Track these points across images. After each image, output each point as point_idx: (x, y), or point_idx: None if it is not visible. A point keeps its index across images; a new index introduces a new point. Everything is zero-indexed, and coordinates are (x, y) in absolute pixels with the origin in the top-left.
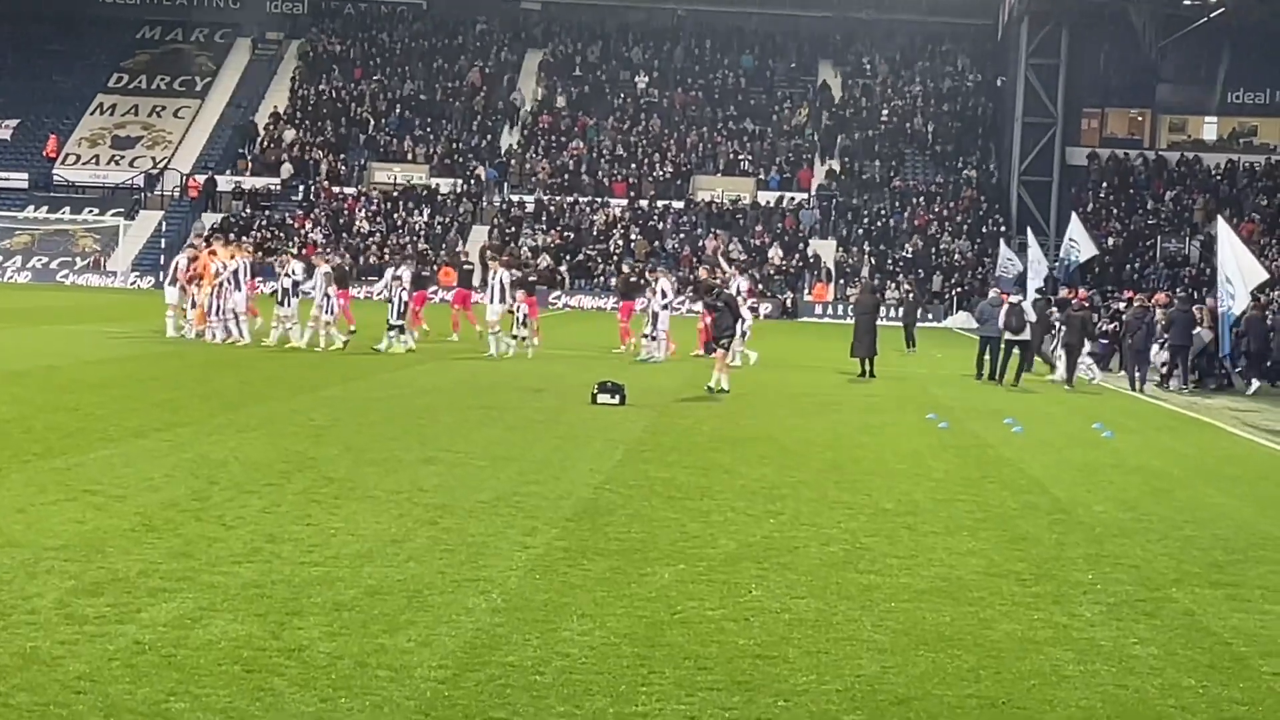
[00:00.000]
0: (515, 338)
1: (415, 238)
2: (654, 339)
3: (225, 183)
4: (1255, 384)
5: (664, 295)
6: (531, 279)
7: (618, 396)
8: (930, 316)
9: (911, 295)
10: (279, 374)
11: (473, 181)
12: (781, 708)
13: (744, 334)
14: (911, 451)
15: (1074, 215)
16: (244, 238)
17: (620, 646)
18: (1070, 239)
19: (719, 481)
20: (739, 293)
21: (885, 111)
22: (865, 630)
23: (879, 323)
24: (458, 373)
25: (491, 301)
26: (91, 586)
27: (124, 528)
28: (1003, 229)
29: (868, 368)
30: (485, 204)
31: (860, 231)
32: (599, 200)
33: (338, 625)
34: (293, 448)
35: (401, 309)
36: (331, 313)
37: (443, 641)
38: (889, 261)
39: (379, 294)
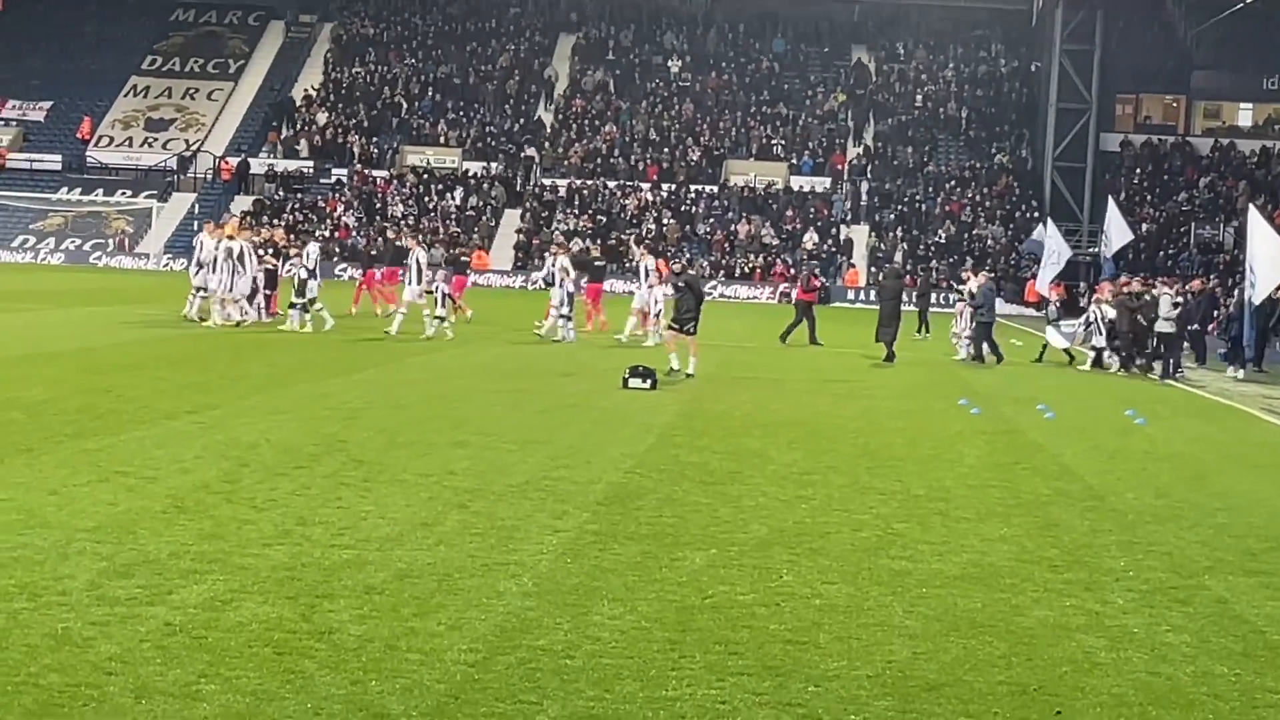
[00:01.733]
0: (437, 318)
1: (447, 221)
2: (568, 318)
3: (258, 165)
4: (1230, 369)
5: (566, 275)
6: (465, 259)
7: (649, 381)
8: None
9: (922, 280)
10: (311, 357)
11: (518, 162)
12: (812, 693)
13: (658, 313)
14: (943, 437)
15: (1110, 203)
16: (273, 220)
17: (651, 631)
18: (1104, 233)
19: (750, 466)
20: (648, 274)
21: (919, 96)
22: (896, 616)
23: (904, 307)
24: (488, 356)
25: (409, 282)
26: (123, 568)
27: (155, 509)
28: (1036, 215)
29: (891, 351)
30: (532, 184)
31: (893, 217)
32: (631, 184)
33: (368, 608)
34: (324, 430)
35: (300, 286)
36: (230, 289)
37: (473, 625)
38: (921, 247)
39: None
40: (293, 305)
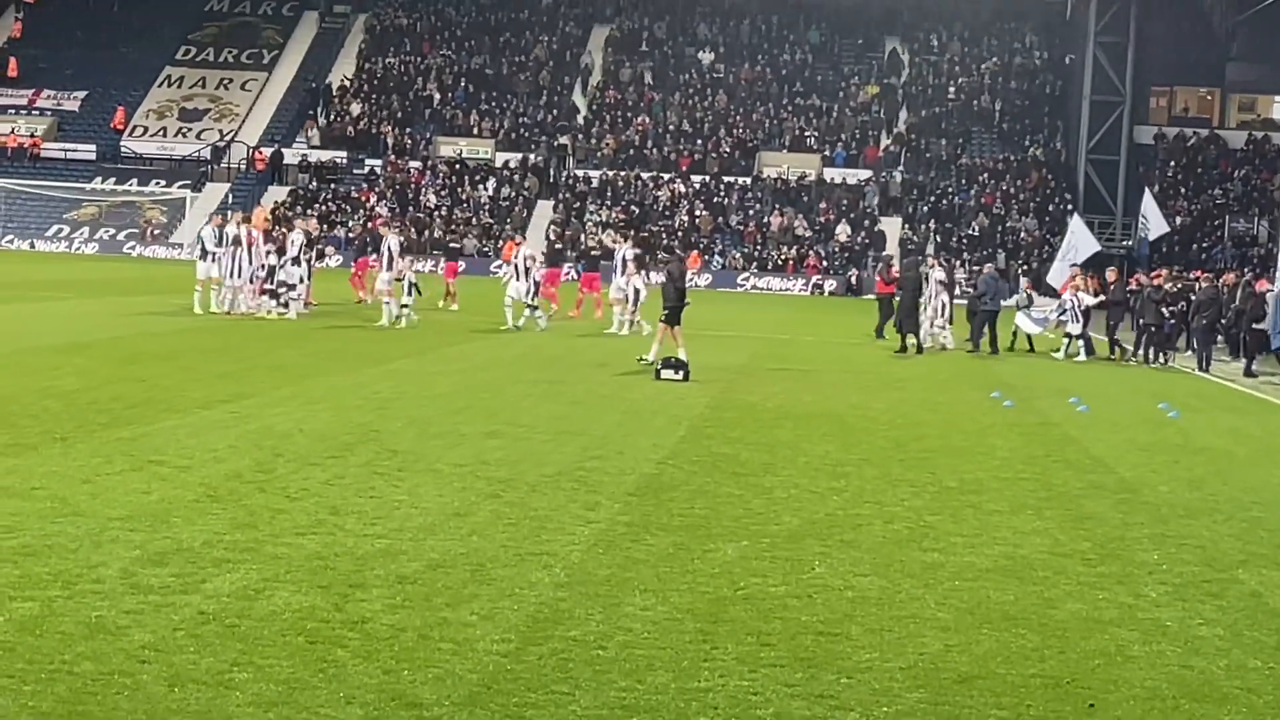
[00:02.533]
0: (404, 305)
1: (480, 211)
2: (535, 308)
3: (291, 155)
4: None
5: (534, 263)
6: (454, 246)
7: (681, 372)
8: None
9: (945, 270)
10: (344, 347)
11: (551, 153)
12: (844, 685)
13: (638, 301)
14: (976, 429)
15: (1146, 191)
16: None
17: (683, 622)
18: (1142, 215)
19: (782, 458)
20: (625, 263)
21: (952, 89)
22: (929, 608)
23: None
24: (520, 347)
25: (381, 269)
26: (156, 556)
27: (189, 498)
28: (1069, 208)
29: (914, 342)
30: (565, 175)
31: (926, 209)
32: (664, 176)
33: (400, 598)
34: (357, 420)
35: (269, 273)
36: (236, 276)
37: (505, 615)
38: (954, 239)
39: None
40: (264, 291)
